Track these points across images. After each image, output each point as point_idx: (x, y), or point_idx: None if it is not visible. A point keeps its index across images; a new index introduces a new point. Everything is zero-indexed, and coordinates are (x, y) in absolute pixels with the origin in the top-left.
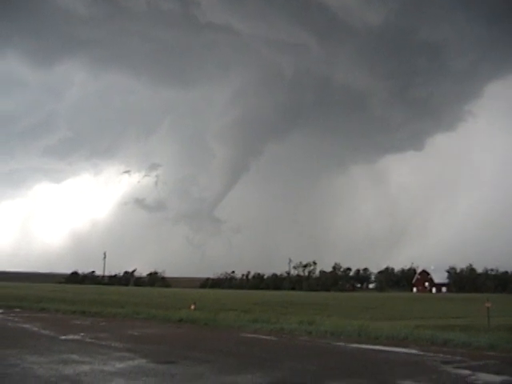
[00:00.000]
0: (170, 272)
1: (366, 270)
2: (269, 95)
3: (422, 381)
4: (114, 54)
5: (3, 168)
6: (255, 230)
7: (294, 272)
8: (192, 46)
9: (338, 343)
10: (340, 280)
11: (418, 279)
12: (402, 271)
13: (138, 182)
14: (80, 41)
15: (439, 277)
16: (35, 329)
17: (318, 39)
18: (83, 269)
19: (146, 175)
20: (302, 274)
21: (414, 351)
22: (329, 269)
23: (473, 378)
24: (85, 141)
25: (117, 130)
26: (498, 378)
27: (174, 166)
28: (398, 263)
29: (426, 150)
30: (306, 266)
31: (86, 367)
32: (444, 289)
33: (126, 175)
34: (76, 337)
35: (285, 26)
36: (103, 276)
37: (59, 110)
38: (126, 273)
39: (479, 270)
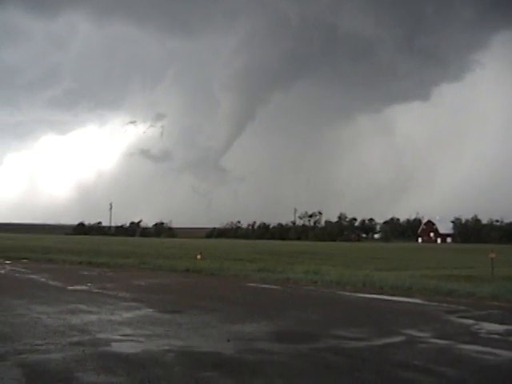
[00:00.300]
0: (176, 222)
1: (371, 220)
2: (275, 44)
3: (426, 330)
4: (119, 4)
5: (9, 120)
6: (261, 180)
7: (299, 222)
8: None
9: (342, 293)
10: (345, 230)
11: (423, 229)
12: (408, 221)
13: (144, 132)
14: None
15: (444, 227)
16: (43, 279)
17: None
18: (89, 220)
19: (151, 125)
20: (307, 223)
21: (418, 301)
22: (334, 219)
23: (476, 327)
24: (90, 92)
25: (122, 80)
26: (501, 328)
27: (180, 116)
28: (404, 213)
29: (433, 100)
30: (311, 216)
31: (93, 317)
32: (449, 239)
33: (132, 126)
34: (83, 287)
35: None
36: (109, 227)
37: (64, 61)
38: (132, 223)
39: (484, 220)
